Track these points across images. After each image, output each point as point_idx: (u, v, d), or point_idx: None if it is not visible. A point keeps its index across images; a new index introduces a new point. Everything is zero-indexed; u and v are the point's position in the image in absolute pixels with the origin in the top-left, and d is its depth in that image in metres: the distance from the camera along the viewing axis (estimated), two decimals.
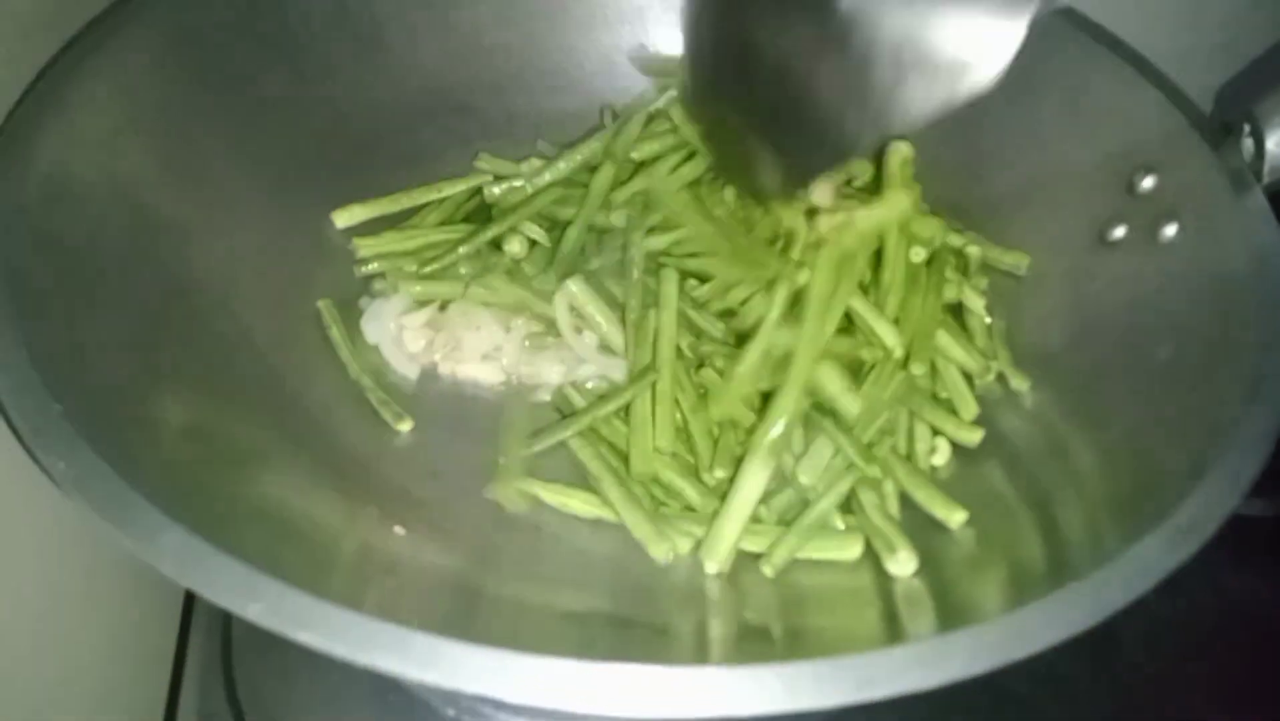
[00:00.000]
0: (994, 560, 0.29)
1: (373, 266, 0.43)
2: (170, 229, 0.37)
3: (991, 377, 0.39)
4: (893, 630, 0.27)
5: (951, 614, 0.25)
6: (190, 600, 0.40)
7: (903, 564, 0.30)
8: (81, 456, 0.23)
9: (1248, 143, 0.35)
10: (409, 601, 0.26)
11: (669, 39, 0.51)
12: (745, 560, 0.33)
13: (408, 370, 0.40)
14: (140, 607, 0.36)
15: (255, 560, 0.22)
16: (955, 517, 0.32)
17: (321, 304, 0.41)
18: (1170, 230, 0.36)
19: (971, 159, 0.43)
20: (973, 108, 0.43)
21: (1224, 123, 0.36)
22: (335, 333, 0.40)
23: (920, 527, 0.32)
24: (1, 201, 0.30)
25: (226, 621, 0.37)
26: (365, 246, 0.44)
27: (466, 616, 0.26)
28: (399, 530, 0.31)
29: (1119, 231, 0.38)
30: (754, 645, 0.28)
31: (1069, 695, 0.37)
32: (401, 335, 0.41)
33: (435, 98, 0.49)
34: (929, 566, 0.30)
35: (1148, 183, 0.38)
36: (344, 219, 0.44)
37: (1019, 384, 0.38)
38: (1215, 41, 0.47)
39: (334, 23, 0.45)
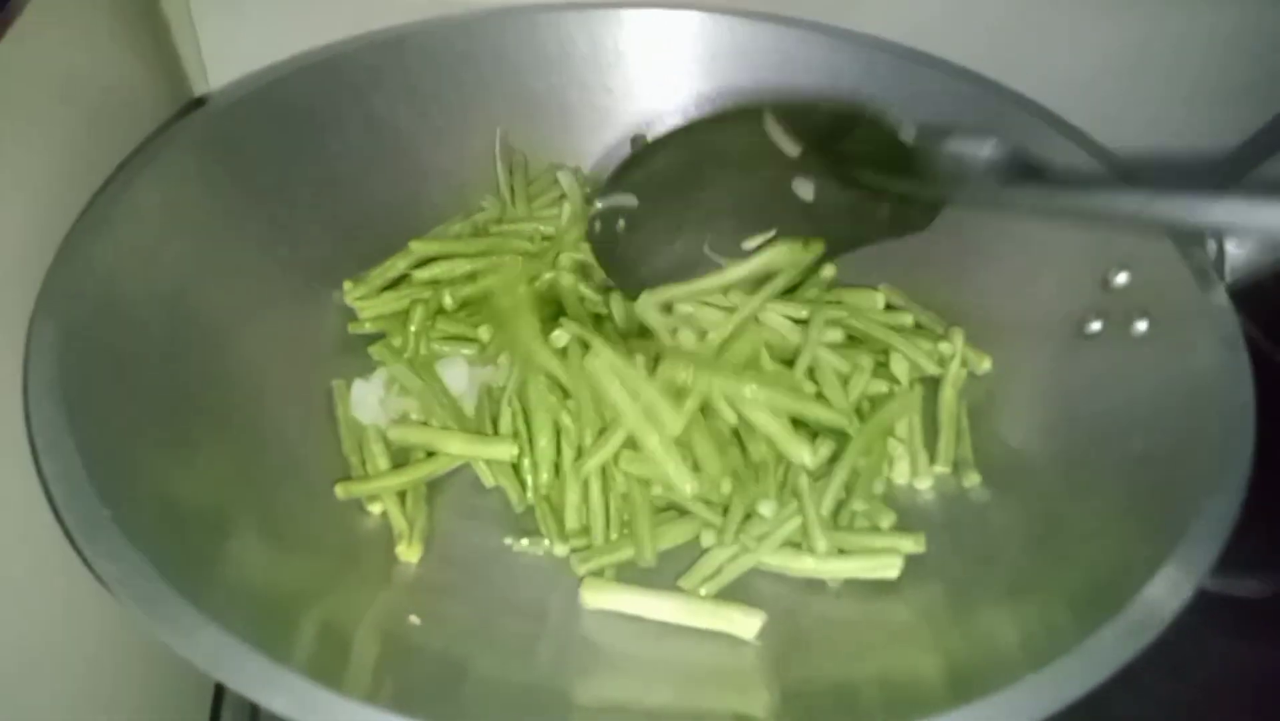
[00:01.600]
0: (950, 649, 0.30)
1: (366, 326, 0.46)
2: (207, 326, 0.40)
3: (946, 470, 0.41)
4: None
5: (907, 707, 0.27)
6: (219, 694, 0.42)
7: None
8: (128, 559, 0.26)
9: (1211, 243, 0.37)
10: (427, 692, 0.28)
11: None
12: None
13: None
14: (174, 690, 0.38)
15: (282, 654, 0.24)
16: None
17: (335, 383, 0.43)
18: (1142, 325, 0.38)
19: (958, 254, 0.46)
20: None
21: None
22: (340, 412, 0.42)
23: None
24: (60, 317, 0.33)
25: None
26: (365, 308, 0.46)
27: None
28: (414, 620, 0.33)
29: (1096, 325, 0.40)
30: None
31: None
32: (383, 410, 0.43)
33: (455, 195, 0.52)
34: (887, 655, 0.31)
35: (1121, 278, 0.40)
36: (351, 296, 0.47)
37: (970, 480, 0.40)
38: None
39: (363, 131, 0.49)
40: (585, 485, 0.38)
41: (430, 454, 0.41)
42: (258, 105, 0.46)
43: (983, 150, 0.36)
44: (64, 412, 0.30)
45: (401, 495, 0.39)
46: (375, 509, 0.39)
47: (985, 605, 0.33)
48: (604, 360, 0.39)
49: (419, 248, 0.48)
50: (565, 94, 0.53)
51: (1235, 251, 0.36)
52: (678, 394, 0.38)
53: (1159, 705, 0.40)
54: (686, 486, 0.37)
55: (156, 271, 0.38)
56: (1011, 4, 0.53)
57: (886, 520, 0.38)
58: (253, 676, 0.24)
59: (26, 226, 0.34)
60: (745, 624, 0.34)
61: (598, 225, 0.46)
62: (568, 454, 0.40)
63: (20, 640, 0.28)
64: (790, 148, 0.43)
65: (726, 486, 0.38)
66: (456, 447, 0.40)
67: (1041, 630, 0.29)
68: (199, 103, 0.50)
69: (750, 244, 0.45)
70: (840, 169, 0.43)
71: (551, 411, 0.40)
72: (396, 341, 0.45)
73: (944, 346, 0.44)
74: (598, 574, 0.36)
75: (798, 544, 0.37)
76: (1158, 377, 0.36)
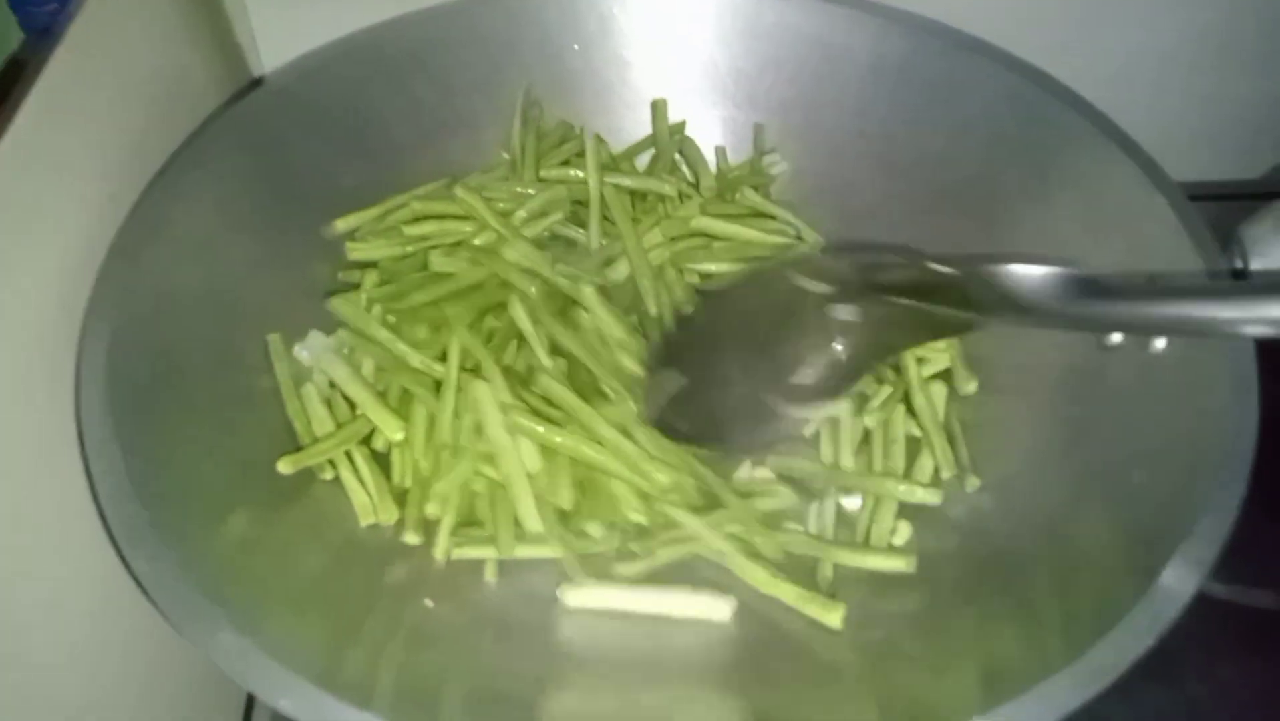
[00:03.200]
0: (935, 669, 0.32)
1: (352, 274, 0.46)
2: (250, 321, 0.42)
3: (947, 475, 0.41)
4: None
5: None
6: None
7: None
8: (163, 561, 0.28)
9: (1237, 263, 0.36)
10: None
11: (708, 119, 0.54)
12: None
13: None
14: (209, 687, 0.40)
15: (299, 660, 0.27)
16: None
17: (271, 338, 0.43)
18: (1160, 343, 0.37)
19: (986, 249, 0.45)
20: (994, 205, 0.45)
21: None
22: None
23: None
24: (112, 316, 0.34)
25: None
26: (356, 249, 0.47)
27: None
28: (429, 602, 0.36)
29: (1116, 337, 0.39)
30: None
31: None
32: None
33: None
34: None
35: None
36: (344, 225, 0.47)
37: (970, 484, 0.40)
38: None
39: (403, 115, 0.50)
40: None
41: None
42: (310, 89, 0.47)
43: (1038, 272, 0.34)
44: (111, 411, 0.32)
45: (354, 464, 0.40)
46: (327, 475, 0.39)
47: (976, 617, 0.33)
48: (486, 391, 0.39)
49: (419, 207, 0.48)
50: (605, 71, 0.53)
51: (1259, 270, 0.35)
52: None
53: (1160, 716, 0.41)
54: (532, 524, 0.38)
55: (203, 266, 0.40)
56: None
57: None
58: (275, 684, 0.26)
59: (87, 218, 0.36)
60: (718, 607, 0.36)
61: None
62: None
63: (62, 637, 0.31)
64: (822, 288, 0.41)
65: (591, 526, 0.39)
66: (359, 396, 0.41)
67: (1035, 643, 0.30)
68: (256, 84, 0.52)
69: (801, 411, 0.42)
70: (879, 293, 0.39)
71: (428, 405, 0.41)
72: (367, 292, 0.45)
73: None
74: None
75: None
76: (1169, 402, 0.36)
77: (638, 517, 0.39)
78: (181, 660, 0.37)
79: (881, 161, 0.50)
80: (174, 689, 0.37)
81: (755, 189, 0.52)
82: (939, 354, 0.45)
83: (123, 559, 0.29)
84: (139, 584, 0.28)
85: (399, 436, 0.40)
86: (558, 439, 0.39)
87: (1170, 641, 0.28)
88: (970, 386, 0.44)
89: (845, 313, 0.39)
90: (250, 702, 0.42)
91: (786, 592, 0.36)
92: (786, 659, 0.34)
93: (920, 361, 0.45)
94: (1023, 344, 0.43)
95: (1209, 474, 0.31)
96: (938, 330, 0.40)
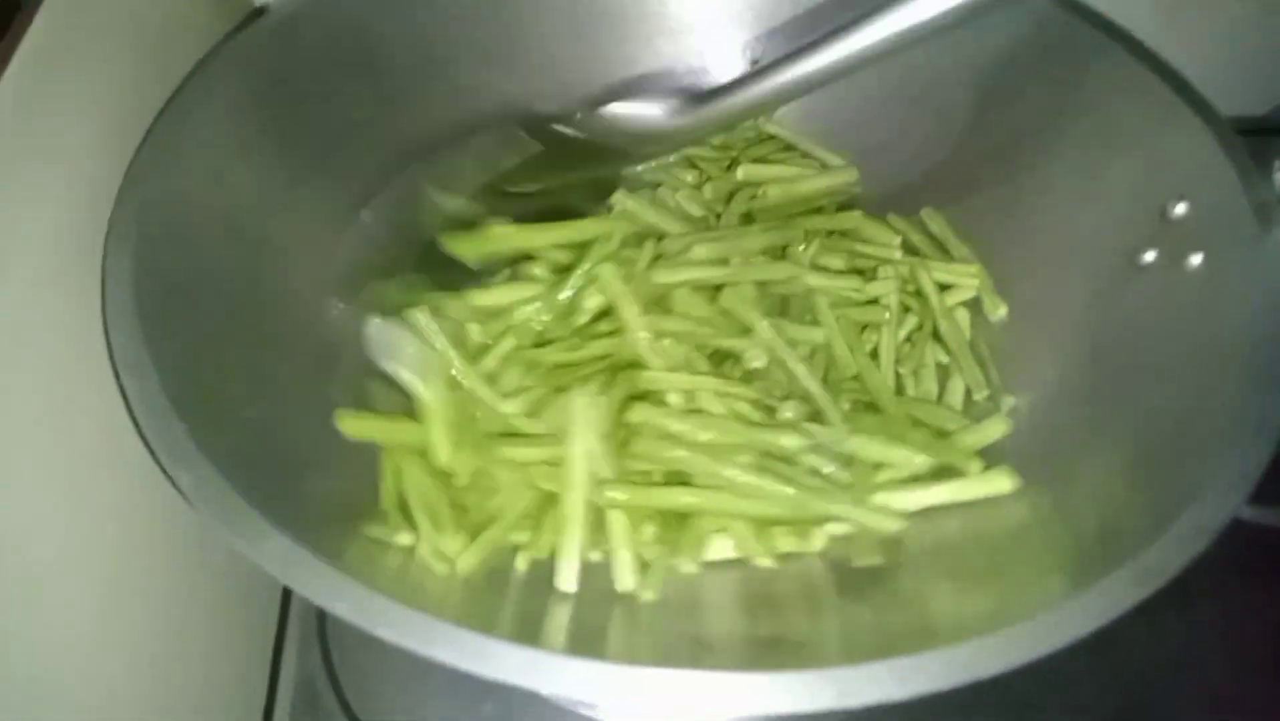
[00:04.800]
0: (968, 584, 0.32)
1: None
2: (268, 247, 0.41)
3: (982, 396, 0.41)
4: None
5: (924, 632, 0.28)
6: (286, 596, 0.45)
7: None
8: (202, 470, 0.28)
9: (1278, 177, 0.36)
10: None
11: (726, 51, 0.54)
12: None
13: None
14: (244, 594, 0.41)
15: (348, 563, 0.26)
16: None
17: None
18: (1196, 260, 0.37)
19: (1009, 176, 0.45)
20: (1011, 127, 0.45)
21: (1255, 155, 0.37)
22: None
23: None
24: (132, 235, 0.34)
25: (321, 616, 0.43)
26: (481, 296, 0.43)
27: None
28: None
29: (1149, 256, 0.39)
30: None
31: (1073, 699, 0.39)
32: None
33: (505, 112, 0.52)
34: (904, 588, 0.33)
35: (1180, 209, 0.39)
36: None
37: (1006, 403, 0.40)
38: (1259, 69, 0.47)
39: (413, 46, 0.49)
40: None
41: None
42: (313, 17, 0.46)
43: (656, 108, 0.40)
44: (140, 330, 0.31)
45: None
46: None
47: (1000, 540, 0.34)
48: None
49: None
50: (619, 4, 0.52)
51: None
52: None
53: (1161, 632, 0.41)
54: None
55: (217, 188, 0.39)
56: None
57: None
58: (319, 584, 0.26)
59: (99, 145, 0.36)
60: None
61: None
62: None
63: (103, 550, 0.31)
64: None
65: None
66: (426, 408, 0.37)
67: (1054, 568, 0.30)
68: (258, 13, 0.51)
69: None
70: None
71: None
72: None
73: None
74: None
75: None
76: (1202, 321, 0.35)
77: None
78: (220, 563, 0.36)
79: (900, 93, 0.50)
80: (215, 590, 0.37)
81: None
82: (967, 280, 0.44)
83: (165, 473, 0.28)
84: (185, 496, 0.27)
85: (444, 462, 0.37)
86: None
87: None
88: (1000, 312, 0.44)
89: None
90: (287, 598, 0.42)
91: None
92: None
93: (945, 289, 0.44)
94: (1049, 270, 0.43)
95: (1250, 388, 0.31)
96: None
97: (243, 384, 0.34)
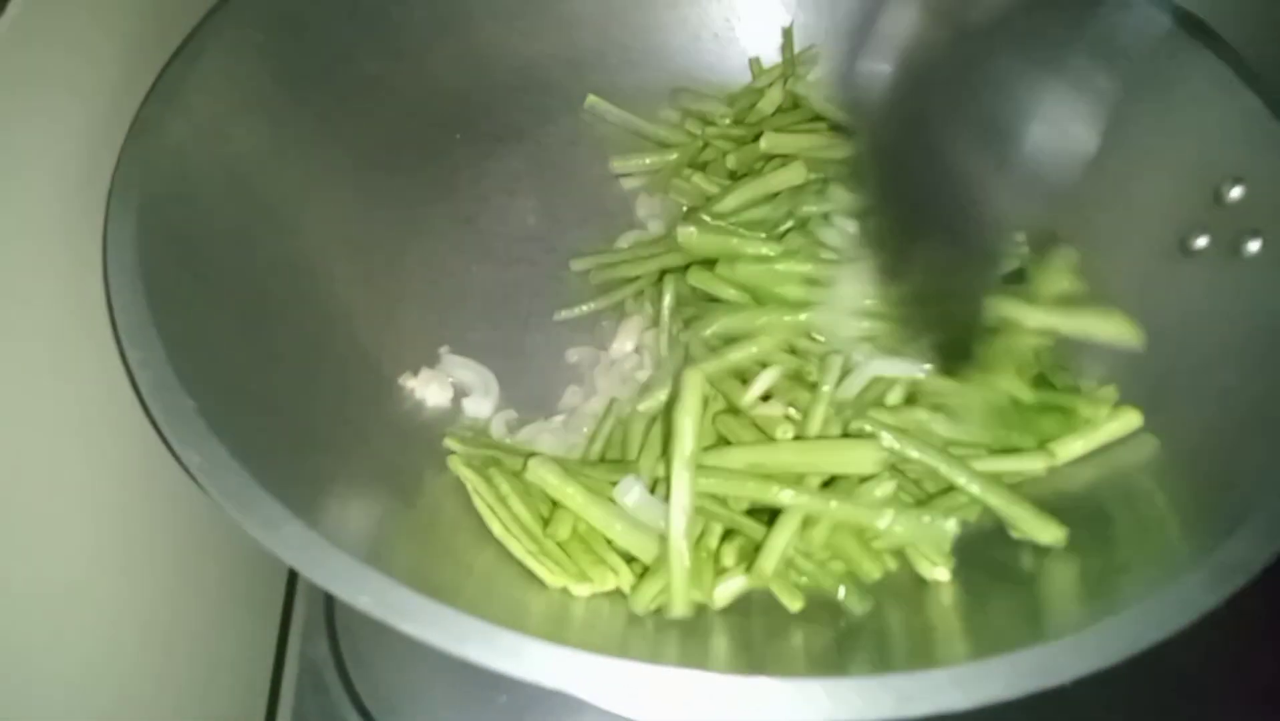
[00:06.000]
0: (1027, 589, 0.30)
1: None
2: (275, 210, 0.39)
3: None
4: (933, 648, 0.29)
5: (987, 639, 0.27)
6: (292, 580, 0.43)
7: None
8: (214, 450, 0.26)
9: None
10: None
11: (754, 14, 0.51)
12: None
13: None
14: (251, 572, 0.39)
15: (364, 552, 0.25)
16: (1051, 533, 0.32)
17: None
18: (1254, 246, 0.35)
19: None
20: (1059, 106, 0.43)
21: None
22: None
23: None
24: (136, 196, 0.32)
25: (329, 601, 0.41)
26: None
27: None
28: None
29: (1201, 241, 0.38)
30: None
31: (1111, 691, 0.38)
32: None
33: (520, 75, 0.50)
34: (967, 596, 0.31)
35: (1236, 193, 0.37)
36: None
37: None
38: None
39: (424, 2, 0.47)
40: None
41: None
42: None
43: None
44: (145, 297, 0.30)
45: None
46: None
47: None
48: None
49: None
50: None
51: None
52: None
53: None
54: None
55: (225, 147, 0.37)
56: None
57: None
58: (331, 570, 0.24)
59: (105, 96, 0.34)
60: None
61: None
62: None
63: (105, 528, 0.29)
64: None
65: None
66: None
67: (1105, 578, 0.28)
68: None
69: None
70: None
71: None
72: None
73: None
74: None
75: None
76: (1262, 306, 0.34)
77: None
78: (227, 541, 0.35)
79: None
80: (220, 570, 0.36)
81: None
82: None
83: (172, 451, 0.26)
84: (194, 477, 0.26)
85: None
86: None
87: None
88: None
89: None
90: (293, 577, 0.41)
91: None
92: None
93: None
94: (1099, 256, 0.41)
95: None
96: None
97: (254, 358, 0.33)
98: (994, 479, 0.34)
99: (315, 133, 0.43)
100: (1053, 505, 0.32)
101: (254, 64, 0.40)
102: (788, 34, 0.51)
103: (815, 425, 0.35)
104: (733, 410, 0.37)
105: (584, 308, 0.43)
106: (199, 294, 0.33)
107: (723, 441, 0.36)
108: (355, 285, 0.41)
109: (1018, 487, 0.34)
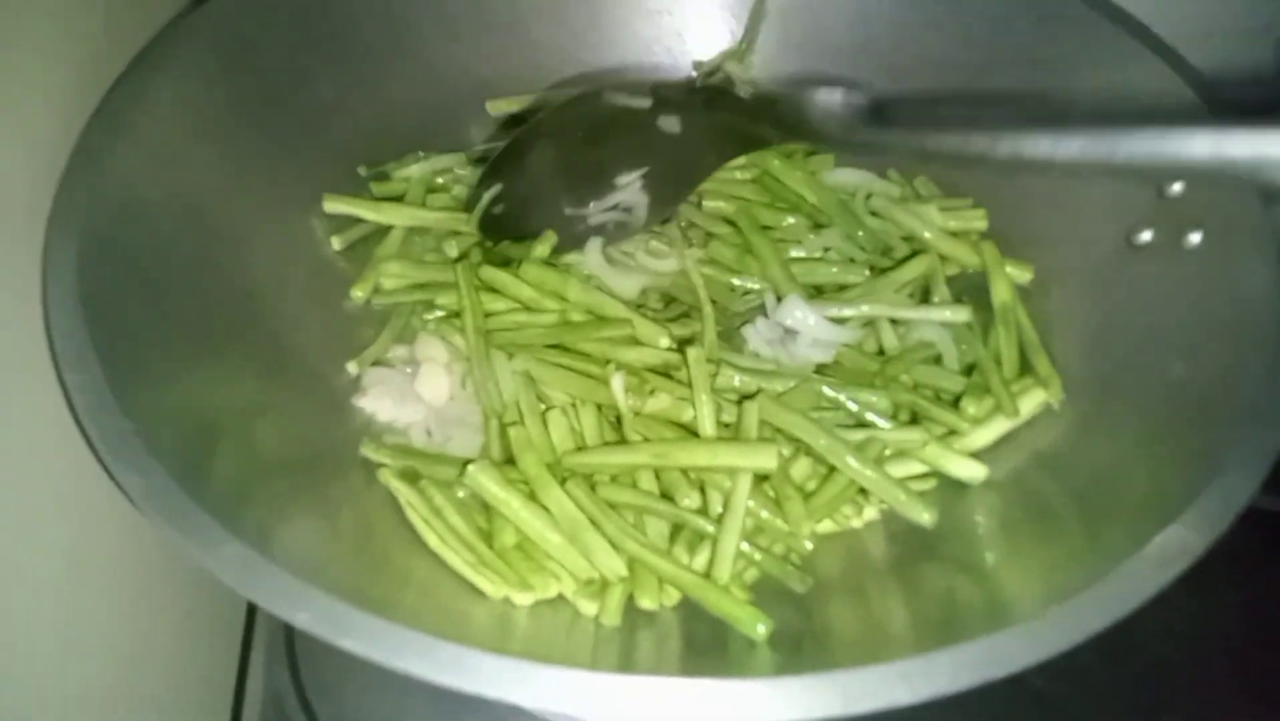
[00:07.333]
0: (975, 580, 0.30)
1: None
2: (227, 236, 0.39)
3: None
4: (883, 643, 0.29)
5: (933, 631, 0.26)
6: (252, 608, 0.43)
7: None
8: (152, 473, 0.26)
9: None
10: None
11: (706, 29, 0.52)
12: None
13: None
14: (211, 601, 0.39)
15: (306, 570, 0.24)
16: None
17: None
18: (1195, 238, 0.36)
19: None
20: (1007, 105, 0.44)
21: None
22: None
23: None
24: (78, 223, 0.32)
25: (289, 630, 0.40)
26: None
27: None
28: None
29: (1146, 235, 0.38)
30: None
31: (1088, 687, 0.38)
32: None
33: (477, 95, 0.50)
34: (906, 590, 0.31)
35: (1177, 187, 0.38)
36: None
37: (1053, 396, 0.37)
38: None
39: (382, 23, 0.47)
40: None
41: None
42: None
43: (836, 97, 0.40)
44: (84, 322, 0.29)
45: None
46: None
47: (1017, 530, 0.32)
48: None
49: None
50: None
51: None
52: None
53: (1177, 617, 0.40)
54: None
55: (173, 173, 0.37)
56: None
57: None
58: (270, 589, 0.24)
59: (43, 128, 0.34)
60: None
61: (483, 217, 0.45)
62: None
63: (49, 558, 0.29)
64: (640, 102, 0.47)
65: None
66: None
67: (1065, 560, 0.28)
68: None
69: (623, 179, 0.45)
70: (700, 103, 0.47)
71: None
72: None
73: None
74: None
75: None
76: (1206, 298, 0.34)
77: None
78: (183, 569, 0.35)
79: (884, 65, 0.48)
80: (178, 599, 0.36)
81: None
82: (975, 221, 0.44)
83: (110, 475, 0.26)
84: (131, 500, 0.25)
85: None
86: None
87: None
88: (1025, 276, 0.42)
89: (666, 124, 0.46)
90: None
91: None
92: None
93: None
94: (1047, 249, 0.42)
95: (1258, 366, 0.30)
96: (747, 146, 0.45)
97: (197, 381, 0.32)
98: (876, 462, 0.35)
99: (269, 158, 0.42)
100: (1000, 498, 0.32)
101: (203, 88, 0.40)
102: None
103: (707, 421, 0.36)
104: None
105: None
106: (143, 317, 0.32)
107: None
108: (308, 306, 0.41)
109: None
